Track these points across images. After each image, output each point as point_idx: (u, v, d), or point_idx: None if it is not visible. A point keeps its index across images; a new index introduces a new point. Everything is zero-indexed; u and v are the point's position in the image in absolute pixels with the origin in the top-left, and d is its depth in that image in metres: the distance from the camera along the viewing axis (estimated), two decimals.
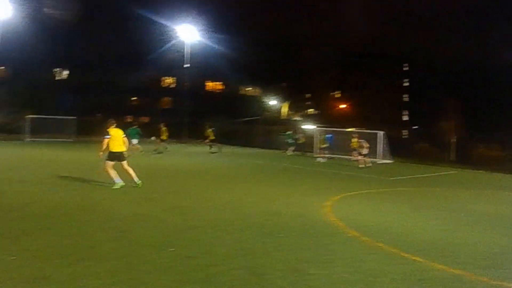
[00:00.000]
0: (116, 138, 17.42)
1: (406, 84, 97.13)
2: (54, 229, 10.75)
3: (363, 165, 32.54)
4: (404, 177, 29.63)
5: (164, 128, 39.39)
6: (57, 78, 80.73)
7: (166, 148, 39.71)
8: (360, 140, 33.45)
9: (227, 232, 11.23)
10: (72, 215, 12.36)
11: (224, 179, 23.37)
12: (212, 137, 42.92)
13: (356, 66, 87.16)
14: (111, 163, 17.32)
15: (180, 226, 11.61)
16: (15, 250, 8.85)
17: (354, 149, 40.21)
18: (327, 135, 42.21)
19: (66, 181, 19.24)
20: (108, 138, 17.17)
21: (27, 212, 12.41)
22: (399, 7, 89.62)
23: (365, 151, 32.89)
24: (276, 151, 46.62)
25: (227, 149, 49.99)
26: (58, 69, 78.22)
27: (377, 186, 22.98)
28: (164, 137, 39.32)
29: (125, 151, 17.83)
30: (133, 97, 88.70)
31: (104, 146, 17.25)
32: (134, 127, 34.65)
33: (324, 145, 40.21)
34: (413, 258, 9.71)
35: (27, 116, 49.23)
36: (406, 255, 9.91)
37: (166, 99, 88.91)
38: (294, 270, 8.47)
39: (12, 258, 8.33)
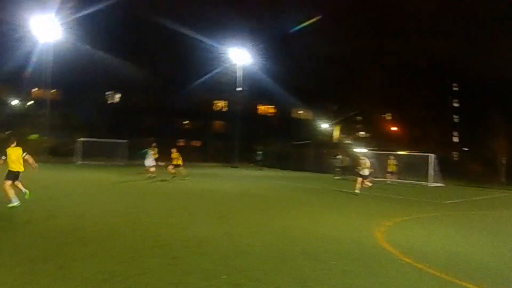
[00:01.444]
0: (13, 157, 17.28)
1: (456, 104, 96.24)
2: (104, 255, 10.55)
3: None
4: (456, 201, 29.24)
5: (175, 153, 34.69)
6: (109, 101, 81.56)
7: (174, 175, 34.47)
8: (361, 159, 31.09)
9: (278, 258, 10.89)
10: (124, 240, 12.20)
11: (274, 203, 23.03)
12: (179, 162, 35.10)
13: (407, 87, 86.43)
14: (9, 182, 17.18)
15: (229, 253, 11.25)
16: (61, 276, 8.69)
17: (391, 172, 40.22)
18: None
19: (118, 205, 19.25)
20: (3, 159, 17.17)
21: (77, 237, 12.30)
22: (448, 24, 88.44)
23: (365, 172, 29.83)
24: (327, 175, 46.32)
25: (279, 173, 49.94)
26: (110, 92, 79.02)
27: (430, 210, 22.66)
28: (177, 162, 34.65)
29: (22, 170, 17.66)
30: (185, 120, 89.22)
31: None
32: (149, 148, 33.08)
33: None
34: (466, 285, 9.45)
35: (78, 139, 49.75)
36: (459, 282, 9.63)
37: (218, 122, 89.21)
38: None
39: (56, 285, 8.17)
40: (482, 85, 76.50)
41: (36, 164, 18.18)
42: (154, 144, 32.69)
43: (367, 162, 28.91)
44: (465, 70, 79.22)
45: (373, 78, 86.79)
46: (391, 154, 43.95)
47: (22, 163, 17.50)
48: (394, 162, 41.82)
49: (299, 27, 74.85)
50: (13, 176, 17.29)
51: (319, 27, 79.19)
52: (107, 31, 59.49)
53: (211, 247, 11.79)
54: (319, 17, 73.56)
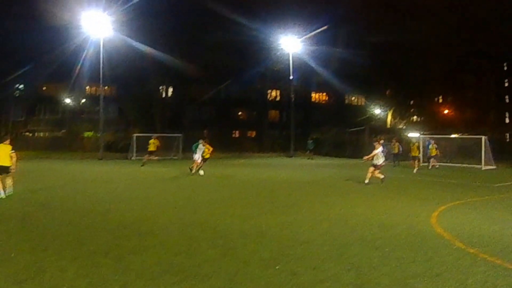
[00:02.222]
0: (1, 153, 18.40)
1: (507, 84, 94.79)
2: (161, 247, 10.68)
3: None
4: (509, 183, 28.64)
5: (152, 140, 38.76)
6: (163, 95, 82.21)
7: (145, 162, 38.57)
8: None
9: (334, 246, 10.91)
10: (181, 232, 12.35)
11: (329, 191, 22.85)
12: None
13: (459, 69, 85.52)
14: None
15: (287, 242, 11.29)
16: (120, 268, 8.84)
17: (433, 156, 39.64)
18: (428, 142, 41.69)
19: (175, 198, 19.48)
20: None
21: (136, 230, 12.52)
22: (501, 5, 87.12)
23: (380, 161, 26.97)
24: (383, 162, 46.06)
25: (334, 161, 49.83)
26: (163, 86, 79.61)
27: (482, 194, 22.45)
28: (152, 148, 38.55)
29: (10, 165, 18.51)
30: (239, 111, 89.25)
31: None
32: (201, 141, 32.68)
33: (417, 154, 39.03)
34: None
35: (133, 135, 50.23)
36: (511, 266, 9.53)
37: (273, 112, 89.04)
38: (401, 285, 8.25)
39: (115, 277, 8.34)
40: None
41: (15, 165, 18.95)
42: (205, 136, 32.64)
43: (378, 150, 25.50)
44: None
45: (426, 62, 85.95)
46: (432, 138, 43.41)
47: (9, 159, 18.54)
48: (435, 146, 41.14)
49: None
50: (1, 170, 18.39)
51: (370, 13, 78.78)
52: (158, 23, 59.63)
53: (269, 237, 11.84)
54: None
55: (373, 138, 33.44)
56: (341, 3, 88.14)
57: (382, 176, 25.43)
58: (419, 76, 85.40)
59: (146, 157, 39.04)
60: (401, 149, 42.80)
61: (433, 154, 40.61)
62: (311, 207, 17.19)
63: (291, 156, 59.16)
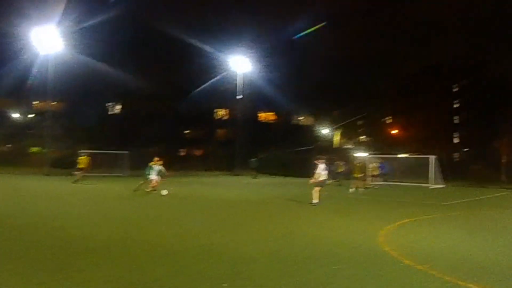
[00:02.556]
0: None
1: (457, 105, 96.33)
2: (109, 264, 10.57)
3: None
4: (457, 201, 29.63)
5: (82, 157, 39.10)
6: (110, 112, 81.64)
7: (78, 180, 38.07)
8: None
9: (282, 264, 10.97)
10: (128, 250, 12.24)
11: (278, 209, 23.18)
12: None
13: (408, 90, 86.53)
14: None
15: (235, 260, 11.31)
16: (69, 285, 8.74)
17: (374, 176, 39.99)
18: (381, 164, 42.03)
19: (122, 215, 19.45)
20: None
21: (82, 247, 12.29)
22: (450, 25, 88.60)
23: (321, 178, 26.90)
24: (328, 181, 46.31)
25: (281, 180, 50.07)
26: (111, 103, 79.04)
27: (430, 212, 22.86)
28: (81, 165, 38.70)
29: None
30: (187, 129, 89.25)
31: None
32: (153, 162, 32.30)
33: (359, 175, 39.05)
34: (469, 285, 9.53)
35: (80, 151, 49.98)
36: (462, 283, 9.69)
37: (220, 130, 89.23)
38: None
39: None
40: (483, 85, 76.43)
41: None
42: (157, 158, 32.33)
43: (320, 169, 25.29)
44: (466, 70, 79.28)
45: (374, 82, 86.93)
46: (381, 158, 44.00)
47: None
48: (375, 165, 41.45)
49: (301, 34, 75.02)
50: None
51: (320, 32, 79.53)
52: (108, 41, 59.55)
53: (217, 255, 11.84)
54: (323, 23, 73.64)
55: (315, 157, 33.85)
56: (290, 24, 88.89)
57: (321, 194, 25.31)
58: (368, 96, 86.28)
59: (78, 174, 38.62)
60: (344, 168, 43.18)
61: (372, 174, 40.84)
62: (259, 225, 17.33)
63: (237, 175, 59.33)
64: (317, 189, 25.01)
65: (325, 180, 25.55)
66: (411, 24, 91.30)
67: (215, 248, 12.72)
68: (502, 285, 9.72)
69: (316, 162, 25.75)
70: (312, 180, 25.38)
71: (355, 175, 37.73)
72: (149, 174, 29.48)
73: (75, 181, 37.65)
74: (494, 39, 74.47)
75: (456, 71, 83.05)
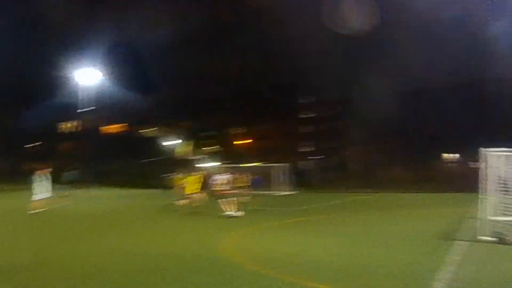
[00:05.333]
0: None
1: (306, 115, 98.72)
2: None
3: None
4: (307, 206, 30.64)
5: None
6: None
7: None
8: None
9: (124, 276, 11.11)
10: None
11: (120, 222, 23.21)
12: None
13: (257, 101, 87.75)
14: None
15: (77, 273, 11.20)
16: None
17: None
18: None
19: None
20: None
21: None
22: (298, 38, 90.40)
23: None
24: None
25: (127, 192, 49.65)
26: None
27: (281, 218, 23.38)
28: None
29: None
30: (30, 143, 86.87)
31: None
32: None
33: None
34: (311, 284, 10.02)
35: None
36: (308, 283, 10.10)
37: (66, 144, 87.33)
38: None
39: None
40: (331, 96, 78.64)
41: None
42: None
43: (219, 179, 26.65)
44: (313, 83, 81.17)
45: (223, 94, 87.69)
46: (233, 167, 44.21)
47: None
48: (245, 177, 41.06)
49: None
50: None
51: (171, 44, 79.41)
52: None
53: (59, 269, 11.73)
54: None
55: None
56: (140, 37, 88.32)
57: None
58: (217, 107, 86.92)
59: None
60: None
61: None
62: (101, 238, 17.15)
63: (81, 188, 58.40)
64: (225, 200, 24.66)
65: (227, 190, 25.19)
66: (261, 41, 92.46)
67: (57, 261, 12.67)
68: (339, 282, 10.39)
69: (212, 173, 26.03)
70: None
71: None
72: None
73: None
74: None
75: (305, 84, 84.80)
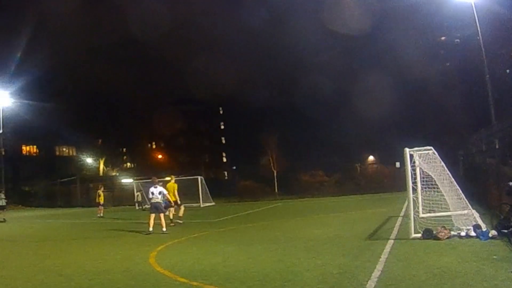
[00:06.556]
0: None
1: (223, 127, 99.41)
2: None
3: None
4: (229, 217, 31.39)
5: None
6: None
7: None
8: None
9: None
10: None
11: (43, 242, 22.28)
12: None
13: (171, 115, 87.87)
14: None
15: None
16: None
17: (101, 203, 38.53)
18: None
19: None
20: None
21: None
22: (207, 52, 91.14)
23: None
24: (95, 209, 44.86)
25: (48, 211, 48.78)
26: None
27: (202, 230, 23.40)
28: None
29: None
30: None
31: None
32: None
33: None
34: None
35: None
36: None
37: None
38: None
39: None
40: (246, 107, 79.39)
41: None
42: None
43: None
44: (229, 95, 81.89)
45: (135, 111, 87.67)
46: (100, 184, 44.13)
47: None
48: (101, 192, 39.76)
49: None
50: None
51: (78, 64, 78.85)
52: None
53: None
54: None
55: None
56: (51, 55, 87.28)
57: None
58: (129, 124, 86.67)
59: None
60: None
61: (101, 201, 38.99)
62: (24, 259, 16.45)
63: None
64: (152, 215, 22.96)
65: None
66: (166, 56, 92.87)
67: None
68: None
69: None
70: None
71: (98, 201, 37.21)
72: None
73: None
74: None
75: (219, 97, 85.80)
